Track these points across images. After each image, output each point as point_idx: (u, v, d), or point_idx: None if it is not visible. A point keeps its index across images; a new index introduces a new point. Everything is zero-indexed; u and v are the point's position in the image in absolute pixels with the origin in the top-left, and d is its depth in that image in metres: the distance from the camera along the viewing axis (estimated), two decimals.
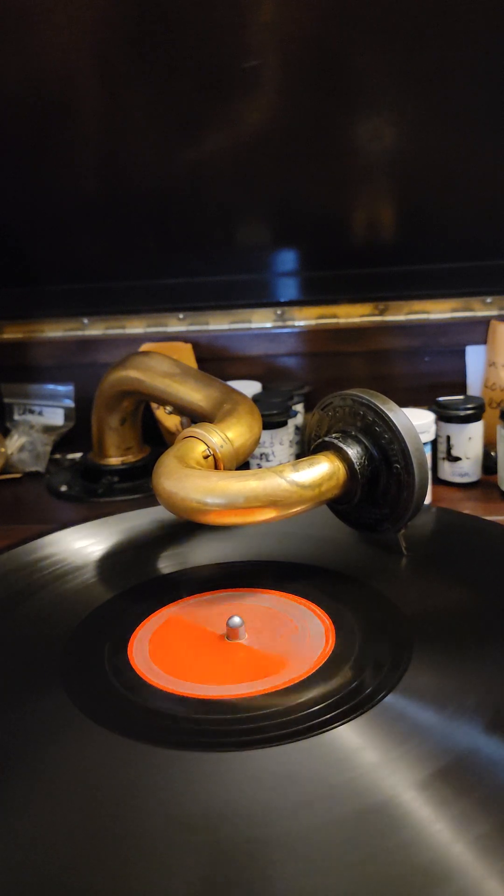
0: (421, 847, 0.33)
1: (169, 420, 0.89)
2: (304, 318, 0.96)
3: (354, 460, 0.54)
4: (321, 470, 0.53)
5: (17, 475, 0.89)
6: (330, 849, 0.33)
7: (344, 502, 0.56)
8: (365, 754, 0.38)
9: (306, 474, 0.52)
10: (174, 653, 0.47)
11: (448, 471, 0.80)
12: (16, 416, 0.98)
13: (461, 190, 0.90)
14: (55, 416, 0.97)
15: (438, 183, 0.90)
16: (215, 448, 0.59)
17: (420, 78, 0.83)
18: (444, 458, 0.80)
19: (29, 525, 0.75)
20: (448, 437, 0.79)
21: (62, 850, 0.34)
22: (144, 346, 0.91)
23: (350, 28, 0.80)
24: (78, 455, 0.92)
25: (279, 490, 0.51)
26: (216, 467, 0.59)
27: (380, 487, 0.55)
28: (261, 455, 0.82)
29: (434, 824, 0.34)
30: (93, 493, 0.83)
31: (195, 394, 0.73)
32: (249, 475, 0.51)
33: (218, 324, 0.96)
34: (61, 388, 0.97)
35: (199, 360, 0.94)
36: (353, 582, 0.54)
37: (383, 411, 0.53)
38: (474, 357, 0.92)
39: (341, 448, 0.54)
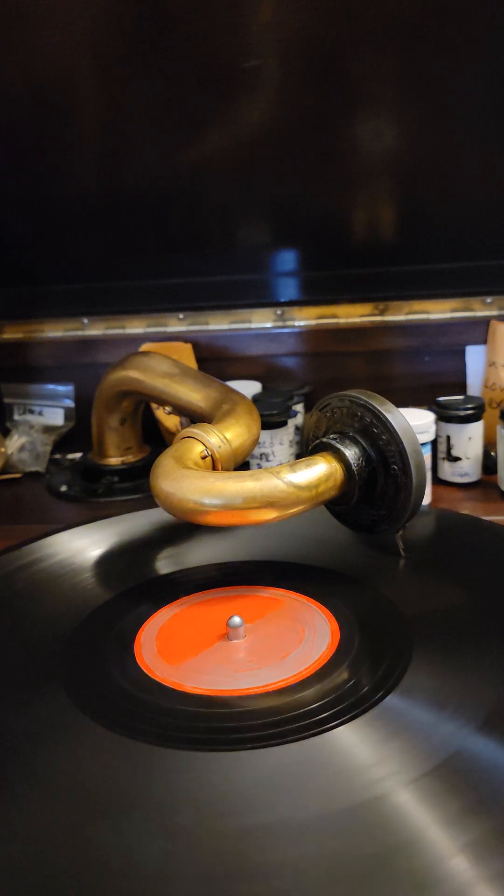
0: (417, 848, 0.33)
1: (169, 420, 0.89)
2: (304, 318, 0.96)
3: (352, 461, 0.54)
4: (318, 471, 0.53)
5: (17, 475, 0.89)
6: (328, 849, 0.33)
7: (342, 503, 0.56)
8: (365, 755, 0.38)
9: (303, 475, 0.52)
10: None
11: (448, 471, 0.80)
12: (16, 416, 0.98)
13: (461, 190, 0.90)
14: (55, 416, 0.97)
15: (438, 183, 0.90)
16: (213, 448, 0.59)
17: (420, 78, 0.83)
18: (444, 458, 0.80)
19: (29, 525, 0.76)
20: (448, 437, 0.79)
21: (62, 849, 0.34)
22: (144, 346, 0.91)
23: (350, 28, 0.80)
24: (78, 455, 0.92)
25: (276, 491, 0.51)
26: (214, 468, 0.59)
27: (377, 489, 0.55)
28: (261, 455, 0.82)
29: (432, 825, 0.34)
30: (93, 493, 0.83)
31: (194, 394, 0.73)
32: (247, 476, 0.51)
33: (218, 324, 0.96)
34: (61, 388, 0.97)
35: (199, 360, 0.94)
36: (353, 582, 0.54)
37: (381, 412, 0.53)
38: (474, 357, 0.92)
39: (339, 449, 0.54)
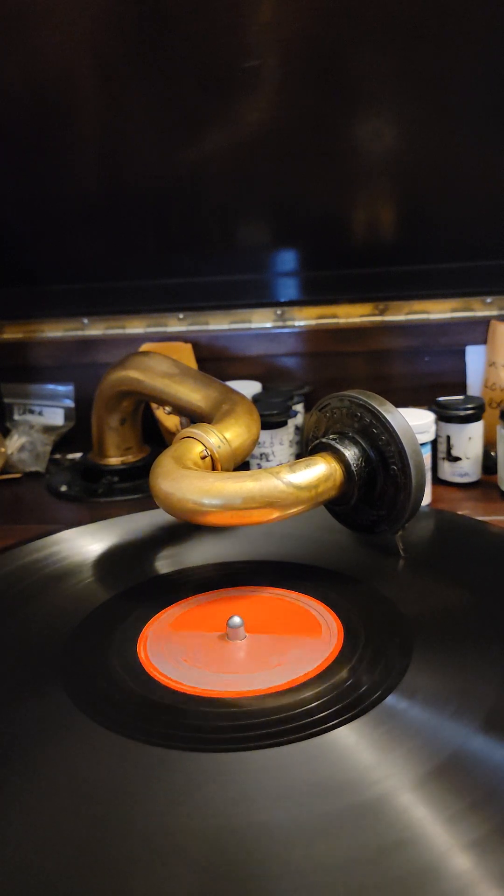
0: (419, 847, 0.33)
1: (169, 420, 0.89)
2: (304, 318, 0.96)
3: (351, 462, 0.54)
4: (318, 471, 0.53)
5: (17, 475, 0.89)
6: (329, 849, 0.33)
7: (341, 504, 0.56)
8: (365, 754, 0.38)
9: (303, 476, 0.52)
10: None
11: (448, 471, 0.80)
12: (16, 416, 0.98)
13: (461, 190, 0.90)
14: (55, 416, 0.97)
15: (438, 183, 0.90)
16: (213, 448, 0.59)
17: (420, 78, 0.83)
18: (444, 459, 0.80)
19: (29, 525, 0.76)
20: (448, 438, 0.79)
21: (62, 849, 0.34)
22: (144, 346, 0.91)
23: (350, 28, 0.80)
24: (78, 455, 0.92)
25: (276, 491, 0.51)
26: (214, 468, 0.59)
27: (377, 489, 0.55)
28: (261, 455, 0.82)
29: (432, 825, 0.34)
30: (93, 493, 0.83)
31: (194, 394, 0.73)
32: (246, 476, 0.51)
33: (218, 324, 0.96)
34: (61, 388, 0.98)
35: (199, 360, 0.94)
36: (353, 582, 0.54)
37: (380, 413, 0.53)
38: (474, 357, 0.92)
39: (338, 449, 0.54)
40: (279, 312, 0.96)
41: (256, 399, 0.85)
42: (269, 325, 0.96)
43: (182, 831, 0.34)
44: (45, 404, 0.98)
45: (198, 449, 0.59)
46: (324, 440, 0.55)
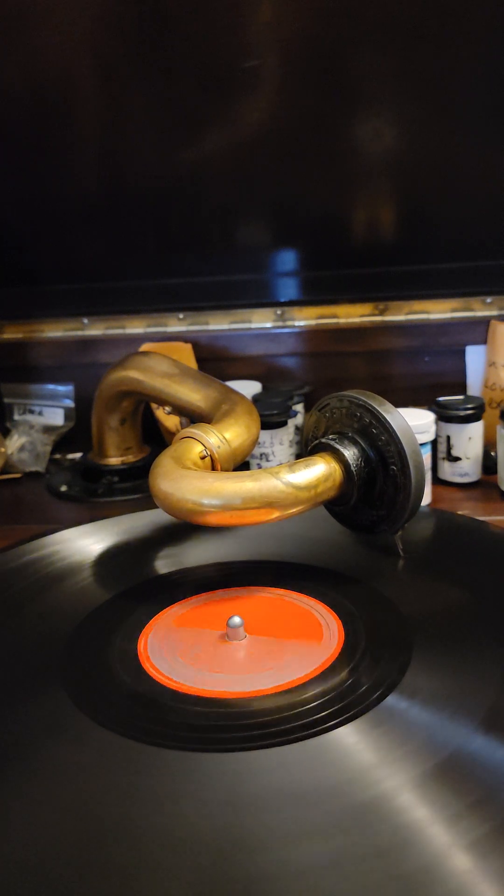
0: (419, 847, 0.33)
1: (169, 420, 0.89)
2: (304, 318, 0.96)
3: (351, 462, 0.54)
4: (317, 471, 0.53)
5: (17, 475, 0.90)
6: (329, 849, 0.33)
7: (341, 504, 0.56)
8: (365, 755, 0.38)
9: (302, 476, 0.52)
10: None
11: (448, 471, 0.80)
12: (16, 416, 0.99)
13: (461, 190, 0.90)
14: (55, 416, 0.97)
15: (438, 183, 0.90)
16: (212, 449, 0.59)
17: (420, 78, 0.83)
18: (444, 459, 0.80)
19: (29, 525, 0.76)
20: (448, 438, 0.79)
21: (62, 849, 0.34)
22: (144, 346, 0.91)
23: (350, 28, 0.80)
24: (78, 455, 0.93)
25: (275, 491, 0.51)
26: (213, 468, 0.59)
27: (376, 489, 0.55)
28: (261, 455, 0.82)
29: (432, 824, 0.34)
30: (93, 493, 0.83)
31: (194, 394, 0.73)
32: (245, 476, 0.51)
33: (218, 324, 0.96)
34: (61, 388, 0.98)
35: (199, 360, 0.94)
36: (353, 582, 0.54)
37: (380, 413, 0.54)
38: (474, 357, 0.92)
39: (338, 449, 0.54)
40: (279, 312, 0.96)
41: (256, 399, 0.85)
42: (269, 325, 0.96)
43: (182, 831, 0.35)
44: (45, 404, 0.98)
45: (197, 449, 0.59)
46: (323, 440, 0.55)
